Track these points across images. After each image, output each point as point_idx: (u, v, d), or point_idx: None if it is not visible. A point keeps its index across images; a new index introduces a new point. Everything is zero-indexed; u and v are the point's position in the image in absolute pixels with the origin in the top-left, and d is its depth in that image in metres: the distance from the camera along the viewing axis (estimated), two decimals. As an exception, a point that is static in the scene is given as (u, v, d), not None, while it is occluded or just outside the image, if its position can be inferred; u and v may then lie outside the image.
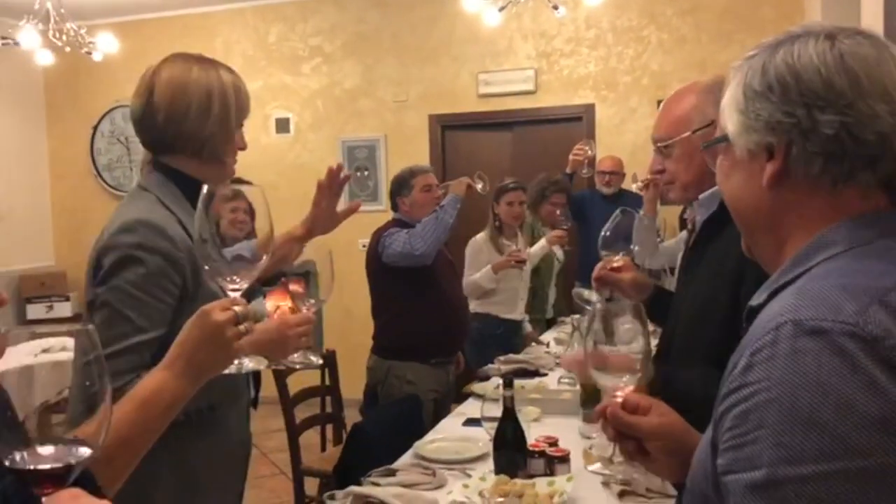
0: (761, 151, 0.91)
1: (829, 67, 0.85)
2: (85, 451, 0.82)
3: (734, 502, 0.78)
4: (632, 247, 2.15)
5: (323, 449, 3.86)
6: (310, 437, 3.86)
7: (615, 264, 2.07)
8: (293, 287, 1.60)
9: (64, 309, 6.77)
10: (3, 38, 5.30)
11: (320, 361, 1.67)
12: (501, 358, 3.51)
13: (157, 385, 1.16)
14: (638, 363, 1.20)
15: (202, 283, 1.57)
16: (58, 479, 0.81)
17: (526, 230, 4.67)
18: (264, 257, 1.26)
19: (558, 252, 4.81)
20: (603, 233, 2.14)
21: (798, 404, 0.73)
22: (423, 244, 3.37)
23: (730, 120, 0.94)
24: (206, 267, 1.23)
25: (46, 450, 0.80)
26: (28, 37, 5.05)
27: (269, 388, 3.43)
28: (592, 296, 3.07)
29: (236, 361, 1.25)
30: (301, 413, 3.57)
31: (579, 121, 6.05)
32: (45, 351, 4.24)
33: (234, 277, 1.22)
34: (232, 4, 6.71)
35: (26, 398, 0.83)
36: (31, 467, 0.79)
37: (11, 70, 6.47)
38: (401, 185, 3.69)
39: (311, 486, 3.57)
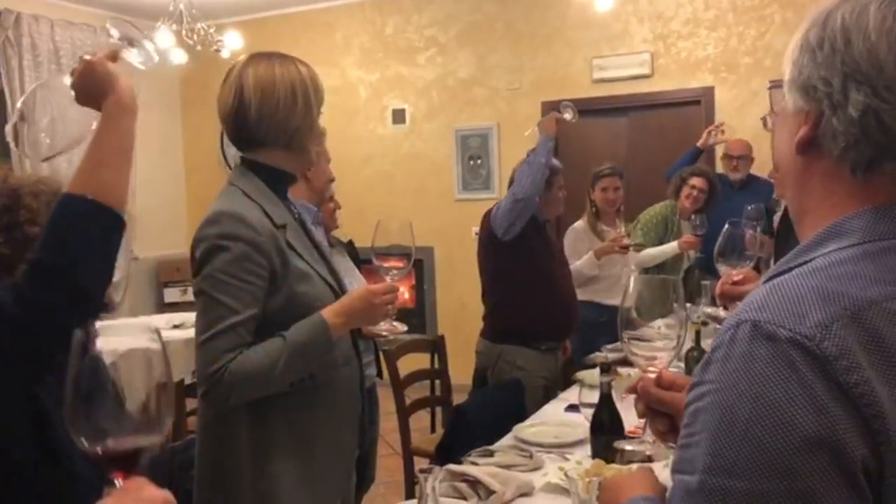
0: (800, 111, 0.82)
1: (881, 36, 0.74)
2: (153, 438, 0.88)
3: (673, 502, 0.76)
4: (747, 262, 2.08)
5: (432, 430, 3.97)
6: (422, 420, 3.97)
7: (736, 278, 2.01)
8: (387, 263, 1.68)
9: (197, 293, 7.21)
10: (142, 39, 5.68)
11: (405, 328, 1.76)
12: (608, 346, 3.49)
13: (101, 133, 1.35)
14: (675, 337, 1.20)
15: (289, 264, 1.67)
16: (127, 462, 0.88)
17: (658, 222, 4.56)
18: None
19: (690, 252, 4.64)
20: (716, 249, 2.09)
21: (738, 413, 0.70)
22: (521, 189, 3.37)
23: (786, 66, 0.85)
24: None
25: (116, 438, 0.87)
26: (163, 37, 5.39)
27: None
28: (720, 312, 2.98)
29: None
30: (412, 396, 3.68)
31: (697, 104, 5.87)
32: (176, 326, 4.54)
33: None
34: (351, -1, 6.93)
35: (146, 380, 0.92)
36: (101, 451, 0.87)
37: (150, 69, 6.90)
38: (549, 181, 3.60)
39: (420, 465, 3.67)
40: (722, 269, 2.05)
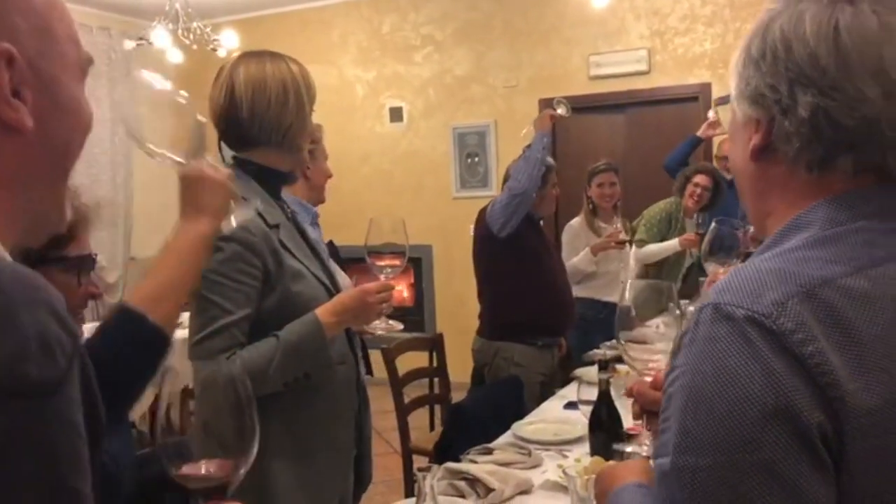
0: (751, 121, 0.86)
1: (819, 41, 0.78)
2: (238, 467, 0.93)
3: (656, 487, 0.79)
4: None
5: (431, 429, 3.96)
6: (421, 418, 3.97)
7: (723, 276, 2.01)
8: (380, 262, 1.68)
9: (196, 293, 7.21)
10: (139, 38, 5.67)
11: (401, 326, 1.75)
12: (608, 343, 3.48)
13: (183, 237, 1.35)
14: (670, 342, 1.21)
15: (283, 264, 1.67)
16: (217, 489, 0.93)
17: (661, 219, 4.55)
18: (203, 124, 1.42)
19: (693, 250, 4.62)
20: (703, 248, 2.09)
21: (702, 392, 0.73)
22: (518, 184, 3.39)
23: (732, 80, 0.88)
24: None
25: (208, 464, 0.92)
26: (160, 37, 5.38)
27: (378, 369, 3.56)
28: None
29: None
30: (411, 394, 3.68)
31: (695, 101, 5.86)
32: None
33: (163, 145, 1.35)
34: (347, -3, 6.91)
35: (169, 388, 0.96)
36: (190, 478, 0.91)
37: (147, 68, 6.89)
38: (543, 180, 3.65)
39: (420, 464, 3.67)
40: (710, 267, 2.06)
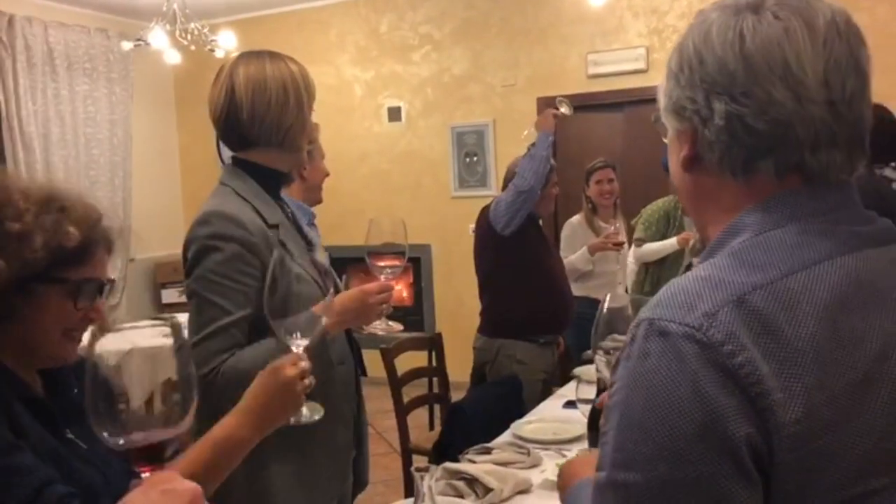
0: (678, 134, 0.88)
1: (726, 49, 0.81)
2: (174, 430, 0.93)
3: (592, 499, 0.79)
4: None
5: (431, 428, 3.96)
6: (420, 417, 3.97)
7: None
8: (380, 262, 1.68)
9: (195, 293, 7.19)
10: (137, 39, 5.66)
11: (401, 327, 1.75)
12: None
13: (231, 431, 1.28)
14: None
15: (283, 264, 1.66)
16: (152, 456, 0.92)
17: (659, 217, 4.55)
18: (322, 319, 1.38)
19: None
20: (689, 246, 2.09)
21: (634, 408, 0.74)
22: (524, 181, 3.40)
23: (659, 99, 0.91)
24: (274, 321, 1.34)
25: (140, 432, 0.91)
26: (157, 37, 5.37)
27: (377, 369, 3.56)
28: None
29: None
30: (411, 394, 3.68)
31: (693, 99, 5.86)
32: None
33: (297, 334, 1.33)
34: (345, -3, 6.91)
35: (151, 376, 0.96)
36: (128, 446, 0.91)
37: (145, 70, 6.90)
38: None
39: (419, 463, 3.66)
40: (697, 262, 2.07)
